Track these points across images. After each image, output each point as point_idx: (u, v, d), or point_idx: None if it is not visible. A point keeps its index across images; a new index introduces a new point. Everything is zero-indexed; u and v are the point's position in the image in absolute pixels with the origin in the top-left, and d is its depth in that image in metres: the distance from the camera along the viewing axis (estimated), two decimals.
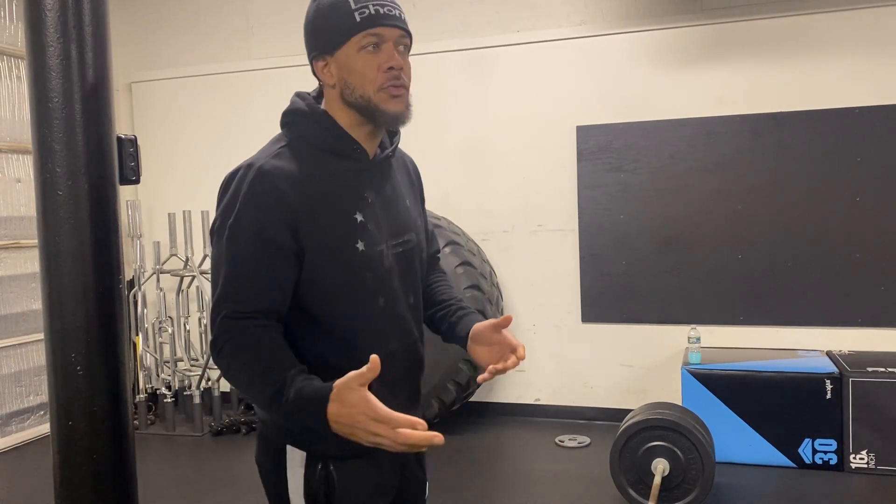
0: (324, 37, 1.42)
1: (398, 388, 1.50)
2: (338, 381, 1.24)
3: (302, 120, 1.45)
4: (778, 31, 4.26)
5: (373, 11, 1.36)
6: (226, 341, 1.34)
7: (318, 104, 1.49)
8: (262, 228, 1.35)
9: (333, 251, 1.39)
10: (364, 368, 1.21)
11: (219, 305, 1.36)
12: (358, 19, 1.36)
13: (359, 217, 1.42)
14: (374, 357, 1.21)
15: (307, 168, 1.40)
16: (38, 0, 1.53)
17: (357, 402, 1.21)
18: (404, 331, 1.53)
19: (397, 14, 1.40)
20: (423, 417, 1.30)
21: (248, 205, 1.36)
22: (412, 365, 1.57)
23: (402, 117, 1.42)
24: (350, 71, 1.40)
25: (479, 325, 1.58)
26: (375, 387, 1.24)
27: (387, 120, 1.42)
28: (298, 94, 1.51)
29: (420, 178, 1.72)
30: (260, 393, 1.33)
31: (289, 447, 1.46)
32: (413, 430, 1.20)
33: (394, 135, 1.57)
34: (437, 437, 1.21)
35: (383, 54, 1.38)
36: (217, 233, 1.41)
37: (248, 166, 1.40)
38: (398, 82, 1.39)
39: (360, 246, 1.41)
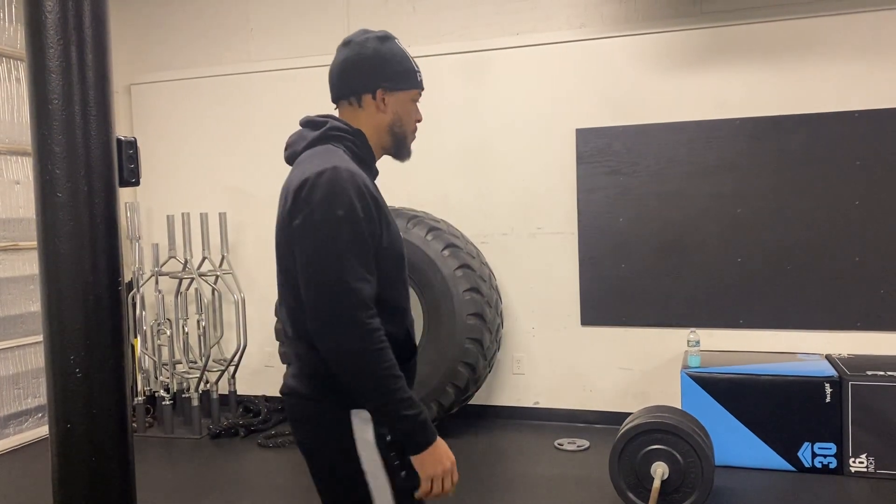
0: (395, 77, 1.77)
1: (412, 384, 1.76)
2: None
3: (348, 136, 1.74)
4: (777, 34, 4.26)
5: (421, 79, 1.83)
6: (363, 330, 1.54)
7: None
8: (365, 219, 1.59)
9: (394, 246, 1.69)
10: None
11: (348, 290, 1.54)
12: (419, 80, 1.82)
13: (391, 219, 1.73)
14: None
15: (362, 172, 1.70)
16: (38, 2, 1.53)
17: (448, 453, 1.64)
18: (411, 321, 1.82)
19: None
20: None
21: (353, 197, 1.58)
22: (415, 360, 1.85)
23: (406, 154, 1.87)
24: (405, 112, 1.80)
25: None
26: (412, 368, 1.74)
27: (407, 153, 1.85)
28: (327, 116, 1.80)
29: None
30: (391, 392, 1.55)
31: (353, 411, 1.63)
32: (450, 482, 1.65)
33: None
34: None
35: (418, 109, 1.85)
36: (324, 224, 1.56)
37: (333, 168, 1.60)
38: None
39: (400, 244, 1.73)
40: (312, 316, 1.56)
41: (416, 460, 1.60)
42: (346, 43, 1.80)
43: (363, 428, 1.63)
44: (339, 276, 1.53)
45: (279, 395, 1.80)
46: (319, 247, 1.55)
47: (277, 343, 4.67)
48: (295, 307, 1.65)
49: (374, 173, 1.78)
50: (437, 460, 1.60)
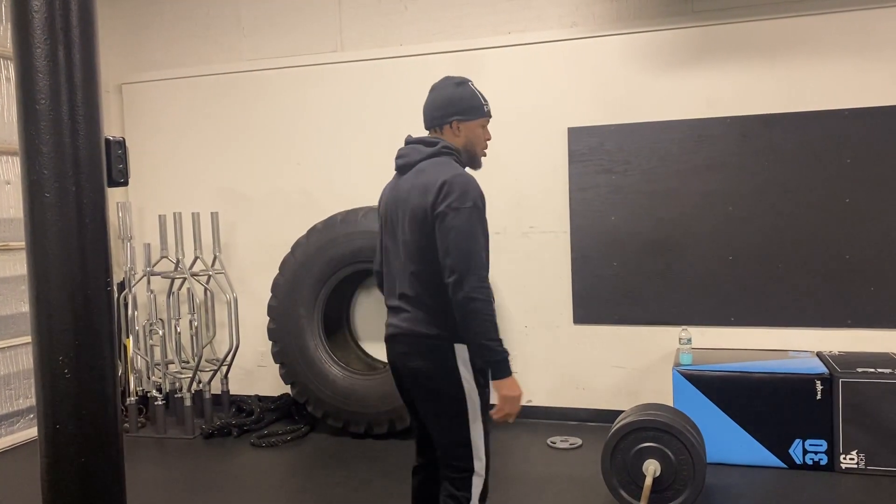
0: (467, 111, 2.44)
1: None
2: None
3: (455, 152, 2.43)
4: (768, 33, 4.27)
5: (488, 109, 2.48)
6: (486, 288, 2.24)
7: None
8: (482, 210, 2.31)
9: (486, 227, 2.35)
10: None
11: (482, 263, 2.26)
12: (485, 110, 2.47)
13: None
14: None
15: None
16: (25, 1, 1.52)
17: (520, 387, 2.31)
18: None
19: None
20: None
21: (479, 198, 2.30)
22: None
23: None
24: (476, 136, 2.47)
25: None
26: None
27: (479, 164, 2.52)
28: (436, 137, 2.46)
29: None
30: (493, 331, 2.24)
31: (456, 345, 2.33)
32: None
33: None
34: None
35: (487, 132, 2.50)
36: (463, 210, 2.26)
37: (462, 174, 2.32)
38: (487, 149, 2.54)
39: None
40: (452, 273, 2.22)
41: (497, 385, 2.27)
42: (433, 88, 2.49)
43: (463, 356, 2.32)
44: (473, 246, 2.24)
45: (386, 338, 2.50)
46: (460, 226, 2.24)
47: (270, 342, 4.66)
48: (421, 270, 2.32)
49: None
50: (512, 387, 2.27)
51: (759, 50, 4.29)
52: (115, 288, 1.70)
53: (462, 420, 2.33)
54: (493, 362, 2.26)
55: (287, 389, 4.79)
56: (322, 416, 4.56)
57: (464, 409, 2.33)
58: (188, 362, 5.03)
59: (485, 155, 2.53)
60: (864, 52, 4.13)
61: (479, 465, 2.36)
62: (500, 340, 2.25)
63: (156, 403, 4.79)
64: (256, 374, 5.30)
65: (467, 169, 2.46)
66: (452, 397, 2.34)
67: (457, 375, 2.32)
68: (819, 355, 4.09)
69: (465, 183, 2.28)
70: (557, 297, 4.69)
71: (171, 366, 4.97)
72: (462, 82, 2.48)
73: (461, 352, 2.32)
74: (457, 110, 2.43)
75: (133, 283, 4.92)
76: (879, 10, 4.10)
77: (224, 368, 4.96)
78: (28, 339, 4.59)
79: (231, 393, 5.11)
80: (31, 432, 4.73)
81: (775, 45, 4.27)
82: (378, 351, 5.02)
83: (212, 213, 5.00)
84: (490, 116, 2.47)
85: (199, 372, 4.79)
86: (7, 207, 4.72)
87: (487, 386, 2.36)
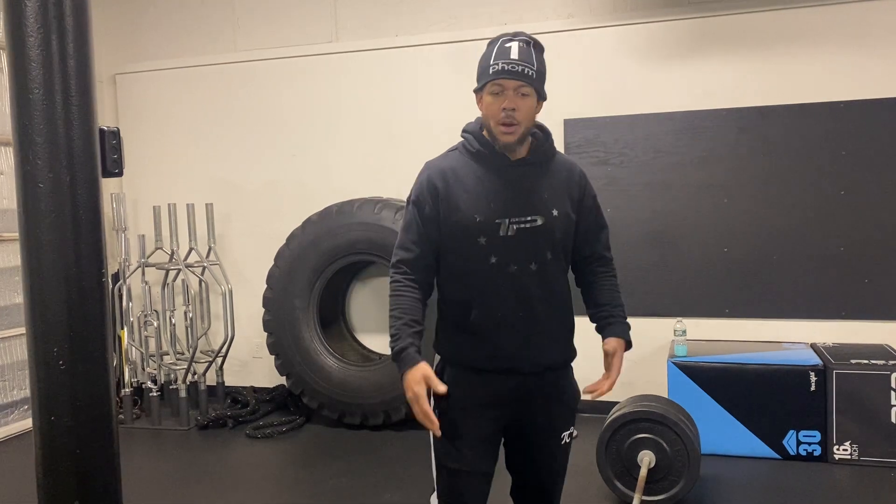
0: (477, 79, 2.03)
1: (507, 332, 2.00)
2: (423, 364, 1.92)
3: (465, 134, 2.10)
4: (764, 25, 4.27)
5: (500, 68, 1.94)
6: (391, 281, 2.03)
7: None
8: (419, 203, 2.03)
9: (458, 219, 1.98)
10: (439, 383, 1.93)
11: (394, 253, 2.05)
12: (491, 73, 1.96)
13: (484, 198, 1.99)
14: (444, 387, 1.94)
15: (459, 165, 2.05)
16: None
17: (418, 382, 1.91)
18: (516, 286, 1.99)
19: (520, 70, 1.96)
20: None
21: (415, 188, 2.07)
22: (524, 315, 2.01)
23: (510, 146, 2.00)
24: (485, 106, 2.00)
25: (605, 345, 2.23)
26: (488, 321, 1.99)
27: (500, 146, 2.00)
28: (477, 119, 2.10)
29: (578, 179, 2.17)
30: (390, 328, 1.98)
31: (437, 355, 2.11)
32: (426, 421, 1.92)
33: (542, 143, 2.10)
34: (436, 431, 1.96)
35: (504, 99, 1.95)
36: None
37: (426, 165, 2.10)
38: (509, 120, 1.95)
39: (478, 217, 1.97)
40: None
41: None
42: None
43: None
44: (395, 247, 2.07)
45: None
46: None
47: (265, 334, 4.66)
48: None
49: (499, 163, 2.02)
50: (406, 387, 1.93)
51: (756, 42, 4.28)
52: (109, 279, 1.69)
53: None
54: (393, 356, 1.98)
55: (282, 381, 4.79)
56: (317, 408, 4.57)
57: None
58: (183, 354, 5.02)
59: (507, 128, 1.96)
60: (860, 45, 4.13)
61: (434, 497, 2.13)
62: (392, 336, 1.96)
63: (151, 395, 4.78)
64: (252, 366, 5.29)
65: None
66: None
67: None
68: (813, 347, 4.11)
69: (419, 173, 2.10)
70: None
71: (165, 357, 4.96)
72: (490, 42, 2.04)
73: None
74: (477, 79, 2.04)
75: (127, 274, 4.90)
76: (875, 1, 4.10)
77: (219, 360, 4.95)
78: (22, 330, 4.58)
79: (226, 384, 5.11)
80: (25, 424, 4.72)
81: (771, 37, 4.26)
82: (373, 342, 5.02)
83: (206, 205, 4.98)
84: (497, 77, 1.94)
85: (194, 363, 4.79)
86: (0, 198, 4.69)
87: (443, 411, 2.01)
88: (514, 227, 1.98)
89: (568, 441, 2.15)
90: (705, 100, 4.37)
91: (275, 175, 5.20)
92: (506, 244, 1.97)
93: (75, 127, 1.57)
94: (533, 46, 2.04)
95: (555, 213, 2.03)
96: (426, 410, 1.91)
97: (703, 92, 4.37)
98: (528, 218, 1.99)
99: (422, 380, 1.90)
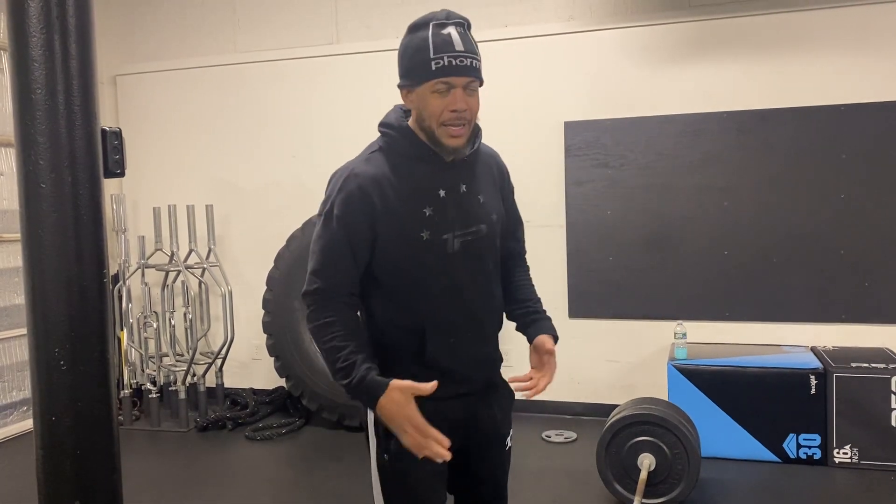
0: (408, 73, 1.72)
1: (460, 353, 1.79)
2: (395, 381, 1.60)
3: (391, 131, 1.77)
4: (765, 28, 4.27)
5: (446, 63, 1.65)
6: (312, 311, 1.71)
7: (408, 118, 1.78)
8: (348, 220, 1.70)
9: (401, 238, 1.71)
10: (423, 384, 1.59)
11: (312, 280, 1.72)
12: (433, 68, 1.65)
13: (427, 211, 1.72)
14: (434, 383, 1.61)
15: (389, 171, 1.73)
16: None
17: (402, 403, 1.60)
18: (467, 306, 1.79)
19: (468, 64, 1.67)
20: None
21: (340, 201, 1.71)
22: (473, 336, 1.83)
23: (458, 151, 1.73)
24: (425, 105, 1.69)
25: (536, 341, 1.96)
26: (443, 350, 1.74)
27: (445, 150, 1.72)
28: (396, 108, 1.83)
29: (502, 171, 1.99)
30: (331, 364, 1.67)
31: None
32: (433, 444, 1.60)
33: (475, 138, 1.81)
34: (446, 455, 1.61)
35: (451, 98, 1.67)
36: (320, 218, 1.75)
37: (345, 168, 1.75)
38: (458, 122, 1.68)
39: (425, 235, 1.71)
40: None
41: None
42: None
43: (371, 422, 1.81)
44: (310, 272, 1.77)
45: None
46: (313, 238, 1.78)
47: (265, 335, 4.66)
48: None
49: (434, 165, 1.74)
50: (391, 417, 1.63)
51: (756, 45, 4.29)
52: (109, 280, 1.69)
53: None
54: (356, 397, 1.67)
55: (282, 383, 4.79)
56: (317, 410, 4.56)
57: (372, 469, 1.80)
58: (182, 355, 5.02)
59: (457, 130, 1.69)
60: (860, 48, 4.14)
61: None
62: (341, 369, 1.65)
63: (150, 396, 4.78)
64: (251, 368, 5.29)
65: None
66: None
67: (367, 426, 1.82)
68: (813, 350, 4.11)
69: (335, 182, 1.75)
70: (553, 290, 4.68)
71: (165, 359, 4.96)
72: (411, 27, 1.79)
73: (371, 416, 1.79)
74: (400, 73, 1.75)
75: (127, 275, 4.90)
76: (877, 5, 4.10)
77: (218, 361, 4.95)
78: (22, 331, 4.58)
79: (226, 386, 5.10)
80: (25, 425, 4.71)
81: (772, 41, 4.27)
82: None
83: (206, 206, 4.98)
84: (446, 75, 1.65)
85: (193, 365, 4.78)
86: (0, 199, 4.69)
87: (393, 454, 1.74)
88: (459, 241, 1.75)
89: (510, 446, 1.98)
90: (705, 103, 4.37)
91: (275, 176, 5.20)
92: (452, 262, 1.74)
93: (77, 127, 1.56)
94: (467, 28, 1.77)
95: (494, 217, 1.84)
96: (429, 432, 1.61)
97: (704, 95, 4.38)
98: (472, 229, 1.77)
99: (403, 398, 1.60)
